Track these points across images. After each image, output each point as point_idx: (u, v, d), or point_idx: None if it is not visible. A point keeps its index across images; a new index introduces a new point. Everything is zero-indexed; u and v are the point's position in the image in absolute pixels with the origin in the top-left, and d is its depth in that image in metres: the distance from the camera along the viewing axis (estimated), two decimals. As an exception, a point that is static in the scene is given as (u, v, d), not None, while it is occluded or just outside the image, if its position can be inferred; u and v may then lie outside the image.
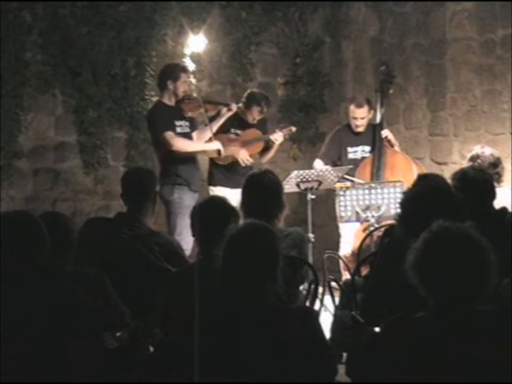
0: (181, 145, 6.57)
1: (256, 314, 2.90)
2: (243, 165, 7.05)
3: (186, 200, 6.45)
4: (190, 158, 6.68)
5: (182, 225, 6.30)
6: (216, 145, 6.72)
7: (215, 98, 7.12)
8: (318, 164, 7.21)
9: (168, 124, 6.58)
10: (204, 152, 6.89)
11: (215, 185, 7.11)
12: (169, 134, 6.54)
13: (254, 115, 7.11)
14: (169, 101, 6.69)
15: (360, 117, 7.12)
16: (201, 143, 6.78)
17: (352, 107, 7.17)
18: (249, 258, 2.93)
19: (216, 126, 6.86)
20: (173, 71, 6.74)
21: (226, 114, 6.88)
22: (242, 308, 2.90)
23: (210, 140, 6.74)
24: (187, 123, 6.74)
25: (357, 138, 7.23)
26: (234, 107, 6.91)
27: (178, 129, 6.66)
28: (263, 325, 2.87)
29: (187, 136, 6.71)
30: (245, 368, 2.83)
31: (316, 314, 3.35)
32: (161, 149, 6.64)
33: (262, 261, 2.95)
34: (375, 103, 7.28)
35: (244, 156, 7.05)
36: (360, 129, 7.17)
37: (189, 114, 6.73)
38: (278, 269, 3.00)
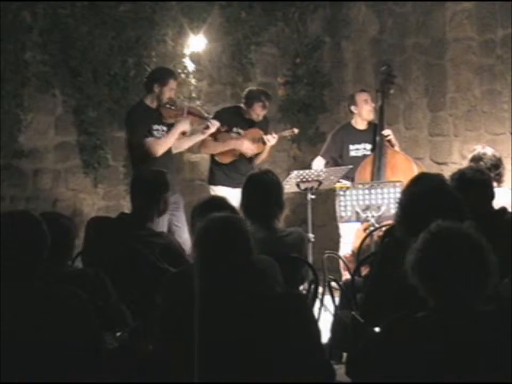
0: (161, 148, 6.56)
1: (243, 304, 2.90)
2: (249, 155, 7.04)
3: None
4: (162, 162, 6.61)
5: (157, 227, 6.33)
6: (182, 125, 6.65)
7: (201, 112, 7.08)
8: (318, 161, 7.23)
9: (147, 128, 6.57)
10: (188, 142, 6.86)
11: (215, 184, 7.10)
12: (149, 141, 6.52)
13: (258, 111, 7.10)
14: (151, 103, 6.66)
15: (371, 100, 7.17)
16: (169, 153, 6.72)
17: (360, 94, 7.23)
18: (216, 244, 2.95)
19: (193, 141, 6.89)
20: (162, 75, 6.70)
21: (207, 133, 6.86)
22: (227, 300, 2.91)
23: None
24: (165, 128, 6.68)
25: (359, 136, 7.25)
26: (213, 127, 6.86)
27: (155, 133, 6.62)
28: (254, 314, 2.88)
29: None
30: (241, 365, 2.83)
31: (304, 298, 3.34)
32: (135, 151, 6.63)
33: (229, 245, 2.96)
34: (375, 103, 7.29)
35: (247, 147, 7.04)
36: (372, 116, 7.19)
37: (168, 120, 6.69)
38: (250, 253, 2.99)
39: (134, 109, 6.82)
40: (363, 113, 7.23)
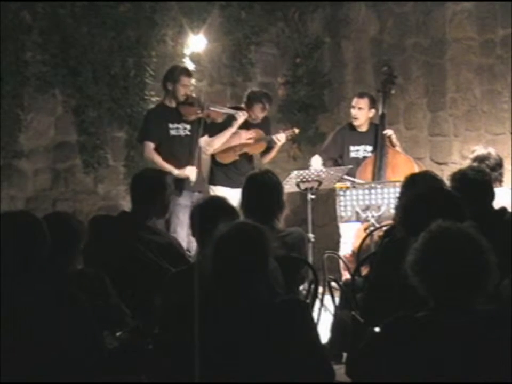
0: (149, 158, 6.70)
1: (247, 313, 2.90)
2: (250, 142, 7.05)
3: (179, 199, 6.46)
4: (186, 159, 6.68)
5: (176, 223, 6.36)
6: (186, 172, 6.66)
7: (223, 106, 7.12)
8: (316, 160, 7.21)
9: (156, 129, 6.65)
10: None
11: (215, 184, 7.11)
12: (146, 144, 6.68)
13: (257, 113, 7.12)
14: (169, 102, 6.74)
15: (358, 106, 7.14)
16: (187, 156, 6.73)
17: (354, 98, 7.24)
18: (236, 259, 2.93)
19: (224, 137, 6.91)
20: (173, 73, 6.77)
21: (237, 123, 6.90)
22: (234, 307, 2.91)
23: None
24: (187, 126, 6.75)
25: (359, 137, 7.24)
26: (241, 118, 6.92)
27: (173, 132, 6.70)
28: (255, 322, 2.88)
29: (184, 139, 6.74)
30: (241, 366, 2.84)
31: (306, 305, 3.34)
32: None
33: (250, 261, 2.94)
34: (377, 103, 7.28)
35: (245, 136, 7.05)
36: (357, 122, 7.17)
37: (189, 118, 6.73)
38: (267, 268, 3.00)
39: (151, 110, 7.04)
40: (352, 121, 7.25)
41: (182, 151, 6.70)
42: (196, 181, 6.71)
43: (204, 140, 6.85)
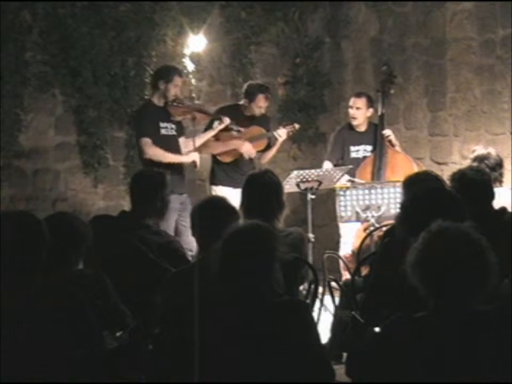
0: (154, 154, 6.51)
1: (247, 313, 2.90)
2: (247, 158, 7.04)
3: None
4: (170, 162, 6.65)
5: (165, 226, 6.33)
6: (191, 157, 6.65)
7: (208, 109, 7.10)
8: (327, 165, 7.19)
9: (151, 127, 6.58)
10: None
11: (217, 184, 7.09)
12: (145, 141, 6.53)
13: (261, 103, 7.06)
14: (158, 101, 6.68)
15: (356, 106, 7.14)
16: (178, 154, 6.67)
17: (351, 97, 7.24)
18: (243, 260, 2.94)
19: (204, 138, 6.87)
20: (167, 72, 6.73)
21: (218, 128, 6.88)
22: (235, 308, 2.91)
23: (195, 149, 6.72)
24: (173, 126, 6.72)
25: (359, 137, 7.24)
26: (226, 121, 6.89)
27: (163, 131, 6.66)
28: (255, 323, 2.88)
29: (172, 139, 6.70)
30: (241, 366, 2.84)
31: (306, 306, 3.35)
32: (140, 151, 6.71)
33: (255, 263, 2.95)
34: (376, 103, 7.28)
35: (247, 149, 7.02)
36: (356, 122, 7.17)
37: (176, 118, 6.71)
38: (272, 270, 3.01)
39: (141, 109, 6.92)
40: (351, 121, 7.25)
41: (172, 151, 6.66)
42: (181, 184, 6.66)
43: (182, 141, 6.82)
